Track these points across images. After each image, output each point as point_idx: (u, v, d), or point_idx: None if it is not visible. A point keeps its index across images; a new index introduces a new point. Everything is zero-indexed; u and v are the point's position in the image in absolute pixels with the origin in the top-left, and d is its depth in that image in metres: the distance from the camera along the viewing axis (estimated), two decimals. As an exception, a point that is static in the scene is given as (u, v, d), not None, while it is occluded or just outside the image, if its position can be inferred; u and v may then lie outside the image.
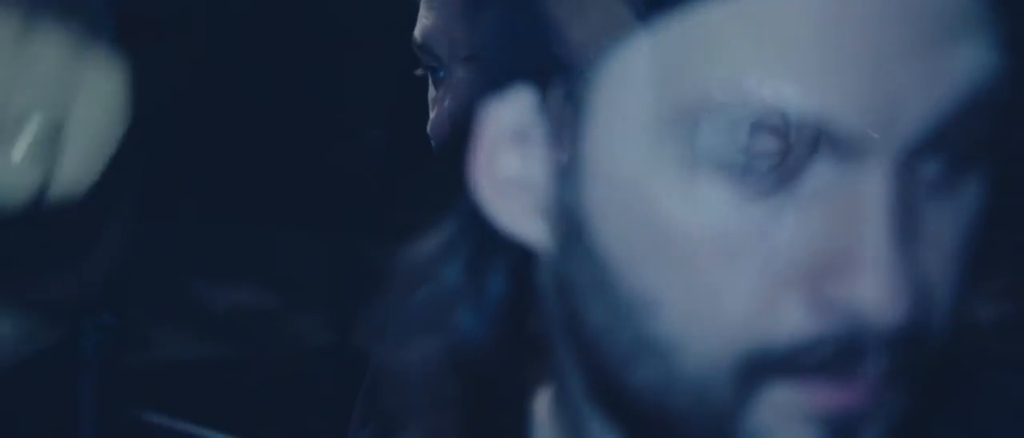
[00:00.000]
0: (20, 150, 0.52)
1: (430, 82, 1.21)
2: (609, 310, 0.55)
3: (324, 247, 2.67)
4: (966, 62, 0.51)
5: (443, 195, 0.64)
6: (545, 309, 0.60)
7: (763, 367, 0.52)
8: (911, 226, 0.51)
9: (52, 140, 0.53)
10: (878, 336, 0.51)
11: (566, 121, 0.56)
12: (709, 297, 0.52)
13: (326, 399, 2.39)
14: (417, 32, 1.20)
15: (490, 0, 0.60)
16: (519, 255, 0.61)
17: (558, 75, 0.56)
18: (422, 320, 0.66)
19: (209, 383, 2.56)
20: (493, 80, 0.58)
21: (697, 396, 0.53)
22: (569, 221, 0.56)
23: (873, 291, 0.50)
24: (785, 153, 0.51)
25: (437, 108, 1.19)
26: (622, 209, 0.54)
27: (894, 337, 0.51)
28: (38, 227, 0.54)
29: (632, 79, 0.53)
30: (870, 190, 0.51)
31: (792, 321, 0.52)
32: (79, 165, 0.54)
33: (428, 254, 0.66)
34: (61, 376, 2.06)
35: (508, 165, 0.58)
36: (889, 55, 0.50)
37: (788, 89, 0.50)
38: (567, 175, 0.56)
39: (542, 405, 0.65)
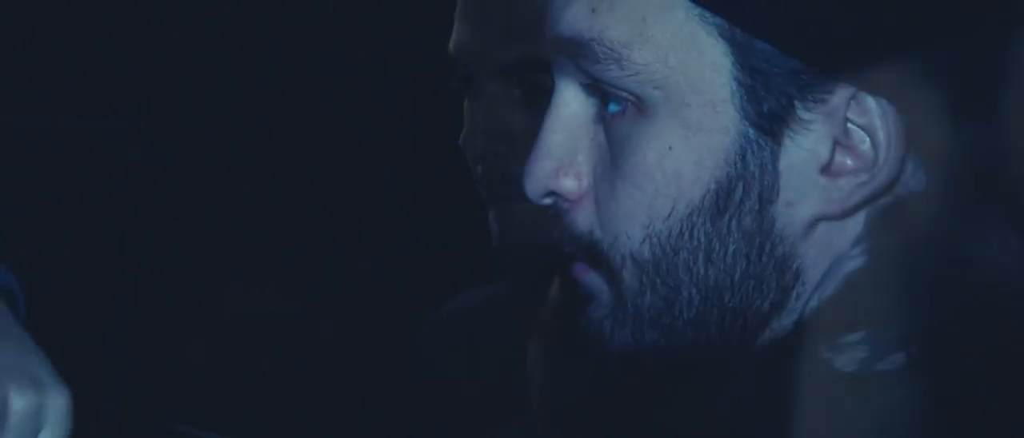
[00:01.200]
0: None
1: (465, 95, 1.20)
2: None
3: (347, 251, 2.68)
4: None
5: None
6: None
7: None
8: None
9: None
10: None
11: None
12: None
13: (349, 402, 2.39)
14: (451, 44, 1.20)
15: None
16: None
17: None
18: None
19: (230, 389, 2.56)
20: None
21: None
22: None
23: None
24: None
25: (470, 120, 1.18)
26: None
27: None
28: None
29: None
30: None
31: None
32: None
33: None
34: (85, 384, 2.06)
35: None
36: None
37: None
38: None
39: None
